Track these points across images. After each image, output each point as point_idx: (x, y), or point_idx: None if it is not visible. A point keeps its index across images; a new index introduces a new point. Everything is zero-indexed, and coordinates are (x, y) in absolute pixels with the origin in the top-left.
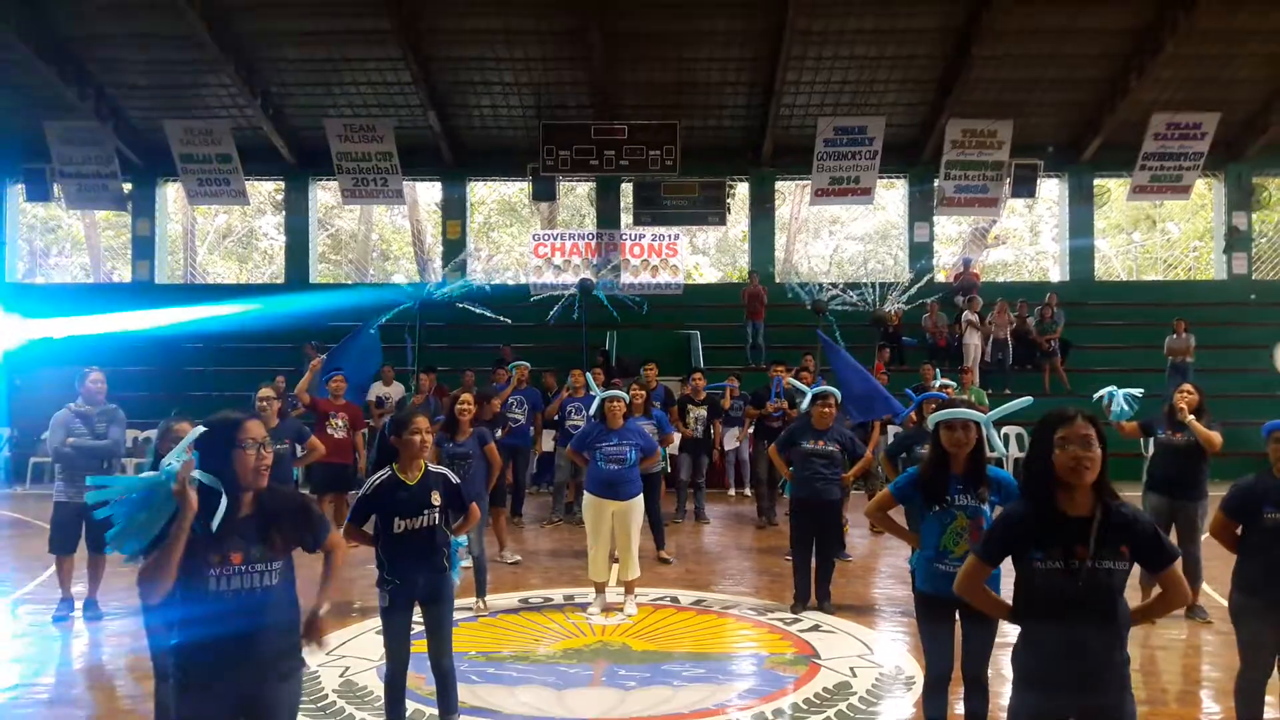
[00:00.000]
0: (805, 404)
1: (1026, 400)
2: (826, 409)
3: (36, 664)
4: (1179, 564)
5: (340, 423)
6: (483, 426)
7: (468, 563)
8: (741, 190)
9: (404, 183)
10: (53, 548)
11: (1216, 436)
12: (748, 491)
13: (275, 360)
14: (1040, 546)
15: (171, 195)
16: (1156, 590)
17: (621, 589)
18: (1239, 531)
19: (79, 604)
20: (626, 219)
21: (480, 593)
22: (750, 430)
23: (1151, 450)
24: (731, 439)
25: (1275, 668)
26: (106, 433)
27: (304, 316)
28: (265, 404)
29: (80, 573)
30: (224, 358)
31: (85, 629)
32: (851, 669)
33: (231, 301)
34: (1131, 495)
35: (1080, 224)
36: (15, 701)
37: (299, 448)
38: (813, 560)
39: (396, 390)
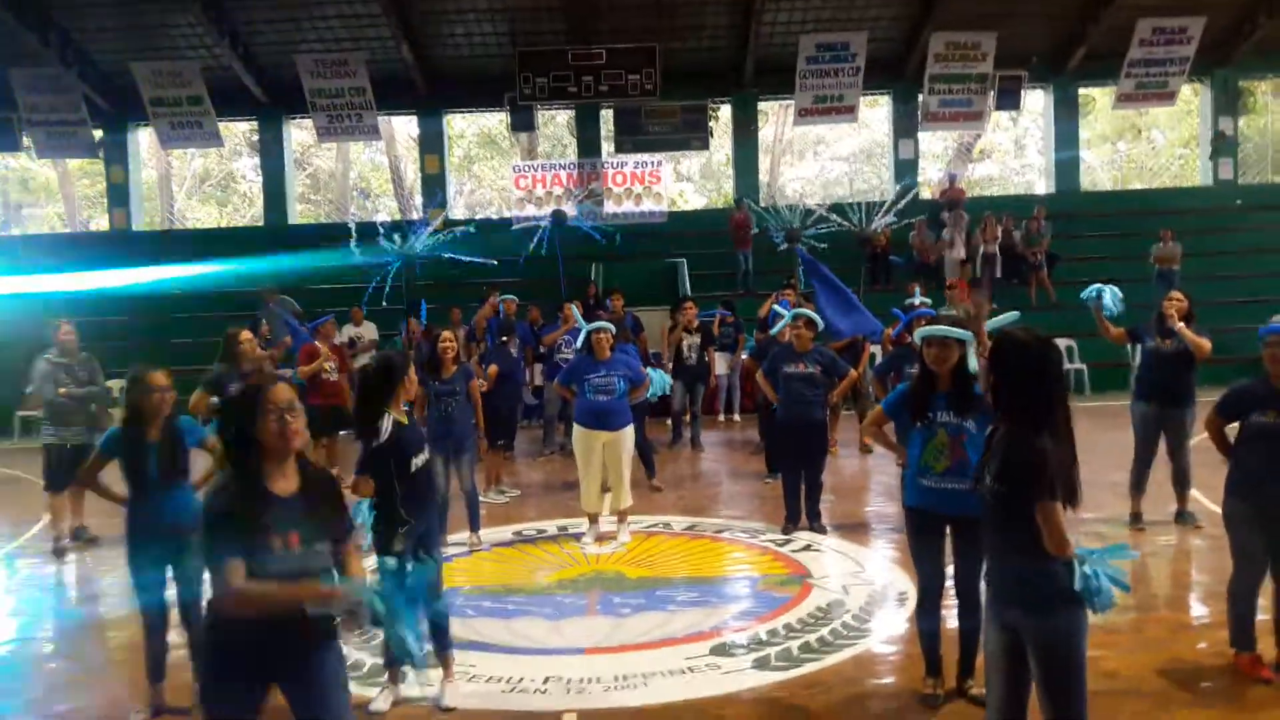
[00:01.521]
0: (779, 327)
1: (1013, 315)
2: (796, 331)
3: (33, 617)
4: (1051, 505)
5: (332, 365)
6: (466, 364)
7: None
8: (724, 113)
9: (380, 118)
10: (48, 487)
11: (1205, 342)
12: (736, 417)
13: (255, 305)
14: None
15: (144, 140)
16: None
17: (615, 518)
18: (1229, 431)
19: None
20: (608, 147)
21: (474, 527)
22: (744, 357)
23: (1139, 359)
24: (722, 364)
25: (1267, 571)
26: (91, 379)
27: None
28: (247, 345)
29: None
30: (203, 304)
31: (80, 580)
32: (844, 587)
33: (210, 249)
34: (1119, 404)
35: (1066, 135)
36: (14, 654)
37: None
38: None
39: (368, 330)
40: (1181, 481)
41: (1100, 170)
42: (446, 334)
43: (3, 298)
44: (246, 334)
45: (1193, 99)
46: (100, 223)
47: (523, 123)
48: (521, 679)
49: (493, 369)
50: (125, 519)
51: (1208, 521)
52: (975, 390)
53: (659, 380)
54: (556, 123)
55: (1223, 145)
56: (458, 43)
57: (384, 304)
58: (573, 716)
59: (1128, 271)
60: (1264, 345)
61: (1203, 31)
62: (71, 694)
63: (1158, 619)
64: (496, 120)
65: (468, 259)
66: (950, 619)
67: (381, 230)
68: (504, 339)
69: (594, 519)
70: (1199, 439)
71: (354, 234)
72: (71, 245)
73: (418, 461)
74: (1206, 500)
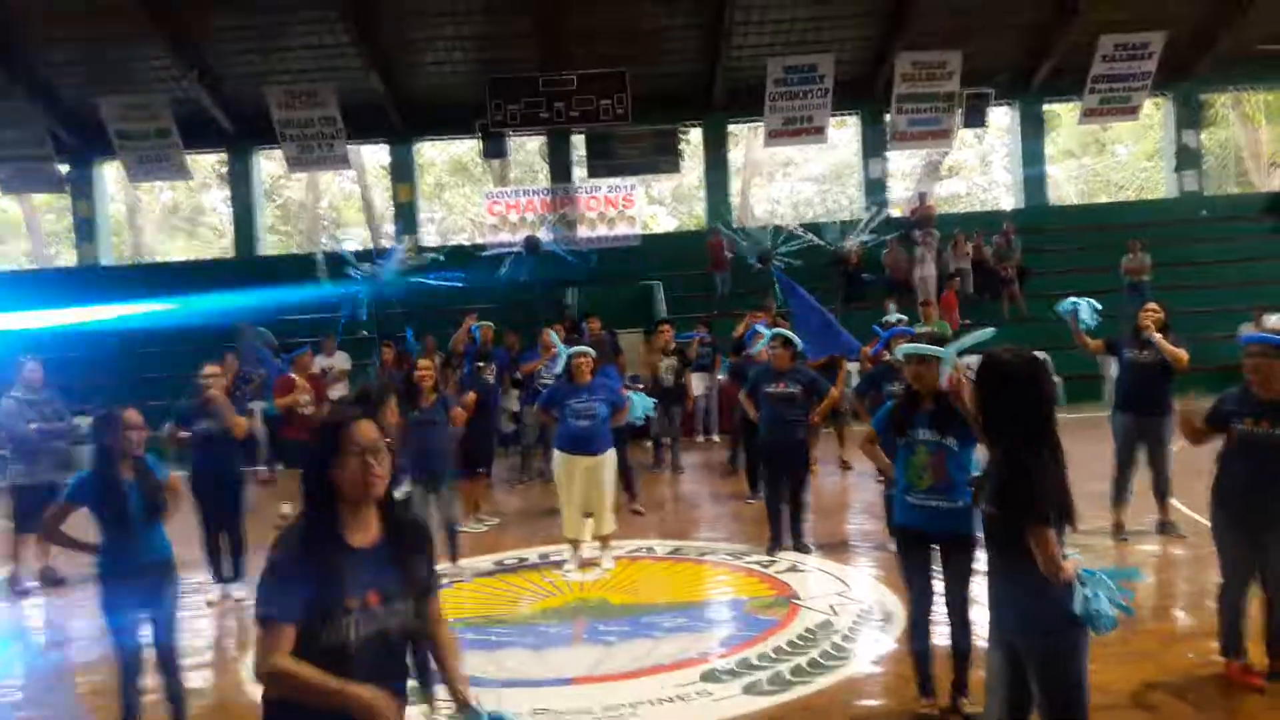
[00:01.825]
0: (759, 347)
1: (988, 331)
2: (775, 351)
3: (3, 662)
4: (1041, 530)
5: (308, 397)
6: (446, 393)
7: None
8: (695, 136)
9: (350, 147)
10: (18, 529)
11: (1183, 353)
12: (715, 437)
13: (226, 338)
14: None
15: (111, 174)
16: None
17: (597, 544)
18: (1206, 434)
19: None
20: (580, 172)
21: (454, 557)
22: (720, 378)
23: (1116, 370)
24: (699, 385)
25: (1254, 579)
26: (60, 415)
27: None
28: (210, 380)
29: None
30: (173, 338)
31: (48, 623)
32: (832, 607)
33: (179, 283)
34: (1095, 415)
35: (1032, 151)
36: None
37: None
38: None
39: (340, 360)
40: (1162, 491)
41: (1066, 185)
42: (424, 363)
43: None
44: (211, 369)
45: (1155, 113)
46: (67, 258)
47: (495, 149)
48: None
49: (471, 396)
50: (100, 562)
51: (1190, 530)
52: (957, 409)
53: (640, 404)
54: (528, 149)
55: (1187, 158)
56: (428, 71)
57: (364, 333)
58: None
59: (1098, 283)
60: (1245, 354)
61: (1164, 46)
62: None
63: (1145, 630)
64: (468, 147)
65: (435, 281)
66: (941, 637)
67: (349, 259)
68: (480, 364)
69: (576, 545)
70: (1178, 447)
71: (322, 264)
72: (38, 281)
73: (397, 495)
74: (1187, 509)
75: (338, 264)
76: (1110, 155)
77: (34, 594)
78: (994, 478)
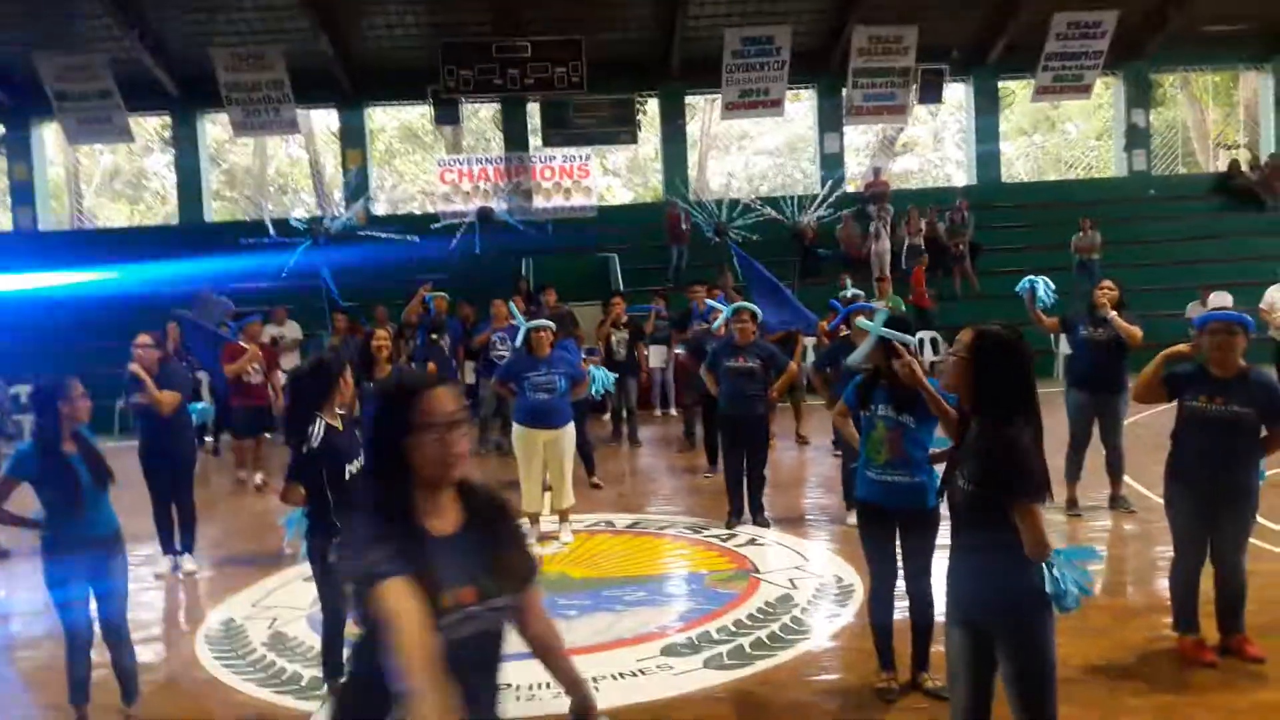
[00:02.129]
0: (719, 322)
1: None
2: (741, 325)
3: None
4: (1032, 507)
5: (257, 366)
6: (399, 363)
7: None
8: (651, 107)
9: (298, 112)
10: None
11: (1137, 331)
12: (673, 411)
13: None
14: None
15: (50, 136)
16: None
17: (555, 518)
18: (1158, 394)
19: None
20: (535, 141)
21: None
22: (678, 352)
23: (1067, 347)
24: (657, 358)
25: (1207, 554)
26: None
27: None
28: (143, 350)
29: None
30: (114, 307)
31: None
32: (791, 580)
33: (122, 249)
34: (1046, 391)
35: (986, 128)
36: None
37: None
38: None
39: (291, 329)
40: (1115, 467)
41: (1018, 162)
42: (380, 332)
43: None
44: (143, 338)
45: (1104, 93)
46: (2, 222)
47: (447, 116)
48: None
49: (431, 367)
50: (44, 536)
51: (1140, 506)
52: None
53: (600, 378)
54: (481, 116)
55: (1136, 137)
56: (379, 34)
57: (284, 276)
58: None
59: (1049, 261)
60: (1205, 333)
61: (1116, 25)
62: None
63: (1099, 606)
64: (419, 114)
65: (385, 237)
66: (901, 611)
67: (298, 224)
68: (434, 336)
69: (535, 519)
70: (1130, 421)
71: (270, 229)
72: None
73: (352, 468)
74: (1139, 485)
75: (285, 230)
76: (1061, 133)
77: None
78: (978, 453)
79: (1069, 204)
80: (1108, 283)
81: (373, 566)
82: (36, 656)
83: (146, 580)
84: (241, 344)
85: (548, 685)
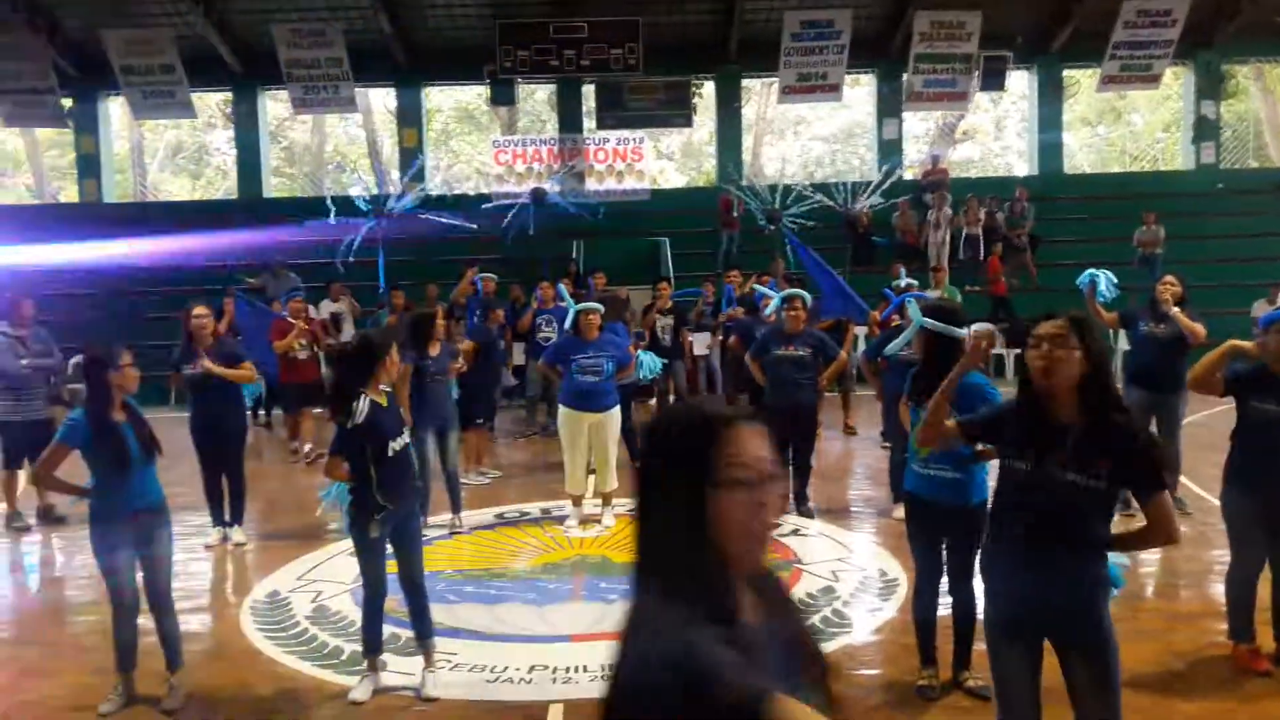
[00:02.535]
0: (771, 308)
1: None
2: (793, 312)
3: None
4: (1166, 497)
5: (303, 342)
6: (450, 342)
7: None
8: (707, 90)
9: (356, 90)
10: (7, 464)
11: (1200, 328)
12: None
13: (225, 279)
14: (1015, 446)
15: (115, 111)
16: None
17: (599, 501)
18: (1216, 386)
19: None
20: (589, 123)
21: (455, 509)
22: (719, 339)
23: (1126, 344)
24: (701, 345)
25: (1265, 560)
26: (49, 351)
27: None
28: (203, 320)
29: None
30: (175, 278)
31: (45, 562)
32: (834, 573)
33: (183, 222)
34: None
35: (1049, 117)
36: None
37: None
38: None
39: (348, 306)
40: (1172, 468)
41: (1080, 154)
42: (441, 311)
43: None
44: (200, 309)
45: (1173, 83)
46: (70, 194)
47: (502, 96)
48: (505, 668)
49: (467, 345)
50: (92, 504)
51: (1196, 508)
52: (966, 380)
53: (648, 362)
54: (536, 98)
55: (1205, 129)
56: (437, 14)
57: (351, 259)
58: (559, 708)
59: (1110, 255)
60: (1272, 332)
61: (1187, 14)
62: (38, 681)
63: (1151, 609)
64: (475, 94)
65: (447, 220)
66: (944, 608)
67: (360, 202)
68: (480, 315)
69: (578, 501)
70: (1187, 421)
71: (332, 208)
72: (39, 216)
73: (395, 445)
74: (1195, 486)
75: (348, 208)
76: (1126, 125)
77: (33, 531)
78: (1098, 447)
79: (1132, 196)
80: (1170, 278)
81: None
82: (88, 621)
83: (196, 551)
84: (289, 320)
85: (583, 669)
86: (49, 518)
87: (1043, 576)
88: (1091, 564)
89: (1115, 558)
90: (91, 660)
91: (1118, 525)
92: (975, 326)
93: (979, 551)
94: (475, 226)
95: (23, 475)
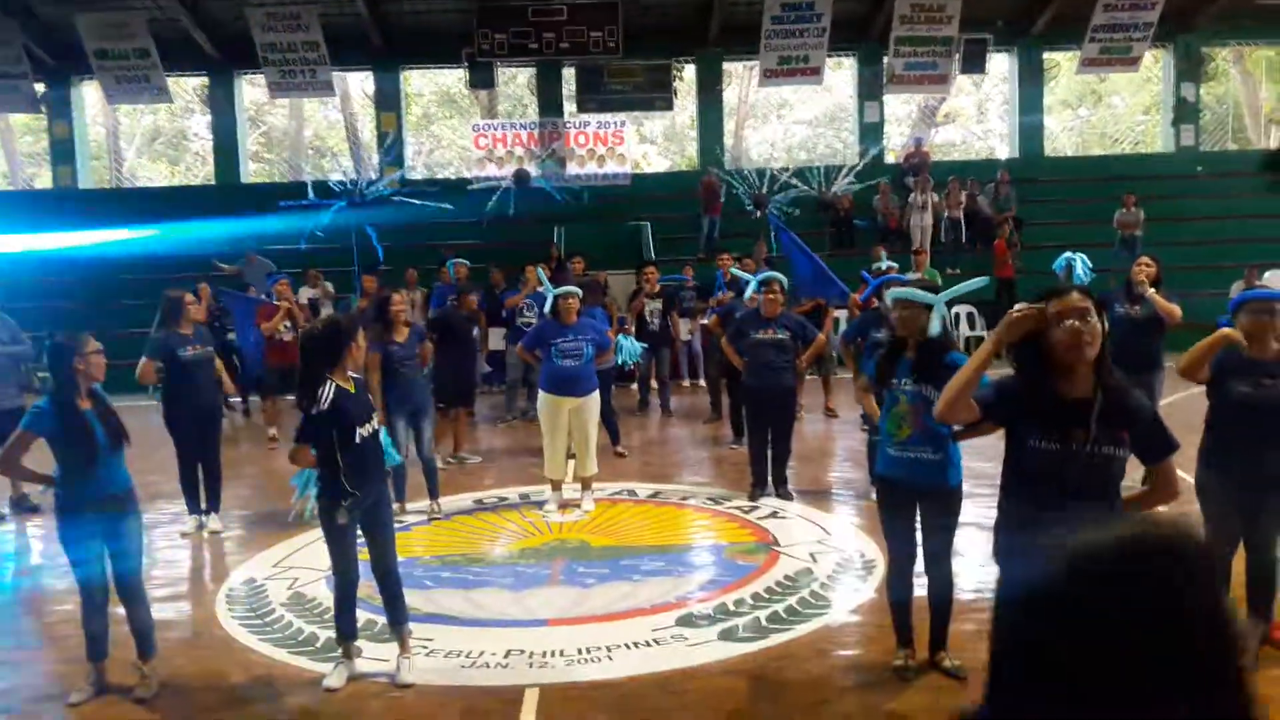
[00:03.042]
0: (749, 292)
1: (981, 280)
2: (770, 295)
3: None
4: (1174, 458)
5: (287, 324)
6: (418, 325)
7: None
8: (688, 73)
9: (334, 73)
10: None
11: (1176, 309)
12: (701, 382)
13: (201, 268)
14: (1037, 427)
15: (90, 96)
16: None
17: (578, 485)
18: (1202, 372)
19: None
20: (570, 107)
21: (433, 495)
22: (704, 323)
23: (1105, 325)
24: (684, 330)
25: (1239, 539)
26: (15, 338)
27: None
28: (190, 306)
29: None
30: (151, 265)
31: (19, 551)
32: (811, 555)
33: (160, 209)
34: None
35: (1030, 100)
36: None
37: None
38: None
39: (323, 292)
40: None
41: (1061, 136)
42: (398, 296)
43: None
44: (190, 297)
45: (1154, 66)
46: (44, 180)
47: (482, 80)
48: (482, 653)
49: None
50: (58, 494)
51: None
52: (945, 359)
53: (628, 347)
54: (517, 82)
55: (1185, 112)
56: None
57: (319, 238)
58: (534, 692)
59: (1090, 236)
60: (1243, 313)
61: None
62: (7, 672)
63: None
64: (455, 78)
65: (420, 203)
66: (920, 589)
67: (335, 186)
68: (454, 300)
69: (557, 486)
70: (1164, 403)
71: (311, 194)
72: (13, 202)
73: (363, 431)
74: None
75: (324, 192)
76: (1106, 107)
77: (7, 520)
78: (1117, 416)
79: (1113, 179)
80: (1146, 259)
81: None
82: (61, 610)
83: (173, 539)
84: (275, 303)
85: (559, 653)
86: (22, 507)
87: None
88: None
89: None
90: (63, 650)
91: None
92: (1019, 306)
93: (994, 534)
94: (450, 207)
95: None
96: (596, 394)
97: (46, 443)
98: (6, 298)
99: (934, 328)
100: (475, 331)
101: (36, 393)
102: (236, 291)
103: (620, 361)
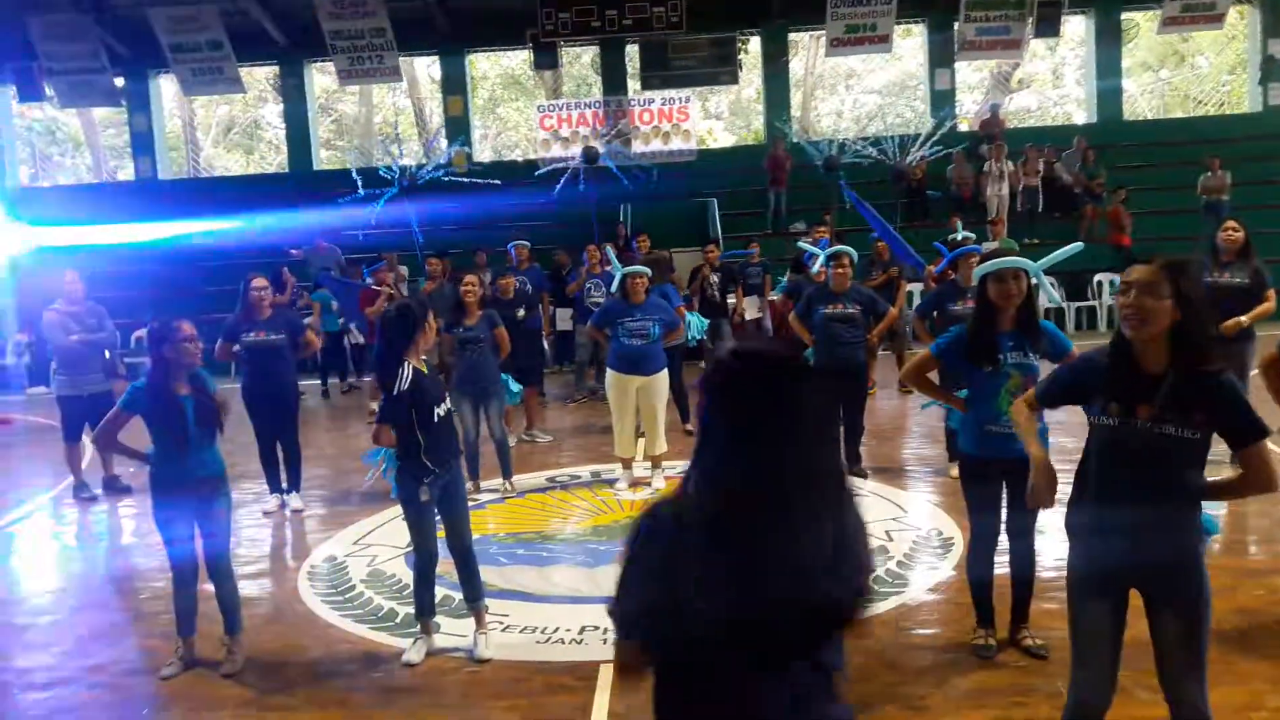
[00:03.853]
0: (817, 266)
1: (1077, 246)
2: (840, 269)
3: (66, 568)
4: (1265, 444)
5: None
6: (491, 309)
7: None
8: (753, 46)
9: (401, 59)
10: (67, 437)
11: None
12: None
13: (277, 254)
14: (1101, 399)
15: (167, 88)
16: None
17: (648, 464)
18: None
19: (96, 488)
20: (634, 85)
21: (506, 474)
22: (773, 299)
23: None
24: (753, 308)
25: None
26: (101, 325)
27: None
28: (261, 293)
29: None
30: (229, 253)
31: (112, 531)
32: (888, 533)
33: (235, 197)
34: None
35: (1108, 62)
36: (46, 606)
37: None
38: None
39: (401, 275)
40: None
41: (1141, 100)
42: (469, 278)
43: (37, 250)
44: (259, 280)
45: (1239, 23)
46: (127, 172)
47: (546, 61)
48: (556, 629)
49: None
50: (152, 473)
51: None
52: (1041, 324)
53: (696, 324)
54: (581, 62)
55: (1273, 69)
56: None
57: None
58: (609, 668)
59: (1173, 202)
60: None
61: None
62: (104, 646)
63: (1217, 565)
64: (519, 60)
65: (468, 180)
66: (1000, 566)
67: (385, 173)
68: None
69: (628, 464)
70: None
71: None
72: (98, 194)
73: (439, 411)
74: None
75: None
76: (1190, 68)
77: (100, 501)
78: (1194, 396)
79: (1197, 142)
80: (1232, 223)
81: None
82: (153, 588)
83: (256, 517)
84: (375, 288)
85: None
86: (114, 488)
87: (1139, 531)
88: (1188, 515)
89: (1207, 505)
90: (154, 625)
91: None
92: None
93: (1067, 509)
94: (498, 183)
95: (87, 447)
96: (665, 373)
97: (144, 423)
98: (94, 287)
99: (1051, 295)
100: (522, 311)
101: (122, 379)
102: (341, 278)
103: (690, 338)
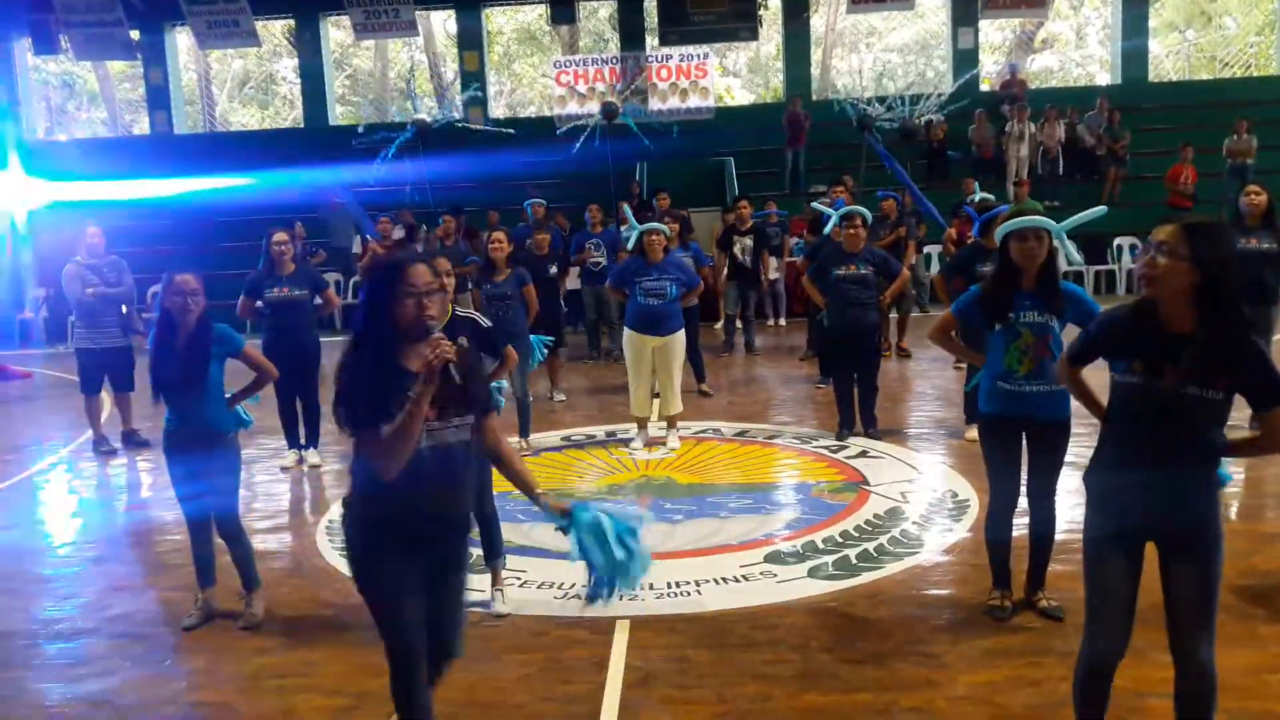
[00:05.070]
0: (829, 226)
1: (1100, 210)
2: (853, 230)
3: (86, 520)
4: None
5: None
6: (521, 267)
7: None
8: (773, 2)
9: (417, 13)
10: (83, 389)
11: None
12: (783, 321)
13: (292, 209)
14: (1124, 358)
15: (183, 42)
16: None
17: (664, 424)
18: None
19: (115, 441)
20: (652, 40)
21: (524, 432)
22: (792, 260)
23: None
24: (773, 269)
25: None
26: (120, 280)
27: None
28: (282, 248)
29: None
30: (246, 207)
31: (131, 484)
32: (903, 494)
33: (251, 152)
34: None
35: (1134, 22)
36: (68, 558)
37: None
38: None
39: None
40: None
41: (1166, 60)
42: (498, 235)
43: (52, 205)
44: (280, 234)
45: None
46: (143, 126)
47: (563, 15)
48: (573, 585)
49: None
50: (164, 429)
51: None
52: (1062, 286)
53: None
54: (598, 16)
55: None
56: None
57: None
58: (625, 623)
59: (1199, 165)
60: None
61: None
62: (125, 598)
63: (1234, 529)
64: (536, 15)
65: (479, 128)
66: (1018, 528)
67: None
68: (530, 241)
69: (643, 424)
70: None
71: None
72: (114, 148)
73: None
74: None
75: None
76: (1216, 29)
77: (119, 454)
78: (1219, 358)
79: (1223, 104)
80: (1254, 187)
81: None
82: (173, 540)
83: (273, 472)
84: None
85: (649, 586)
86: (133, 441)
87: (1159, 487)
88: (1208, 472)
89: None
90: (175, 578)
91: None
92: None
93: (1088, 466)
94: (512, 132)
95: (106, 401)
96: (681, 333)
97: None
98: (114, 242)
99: (1072, 255)
100: (554, 270)
101: (140, 334)
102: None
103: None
